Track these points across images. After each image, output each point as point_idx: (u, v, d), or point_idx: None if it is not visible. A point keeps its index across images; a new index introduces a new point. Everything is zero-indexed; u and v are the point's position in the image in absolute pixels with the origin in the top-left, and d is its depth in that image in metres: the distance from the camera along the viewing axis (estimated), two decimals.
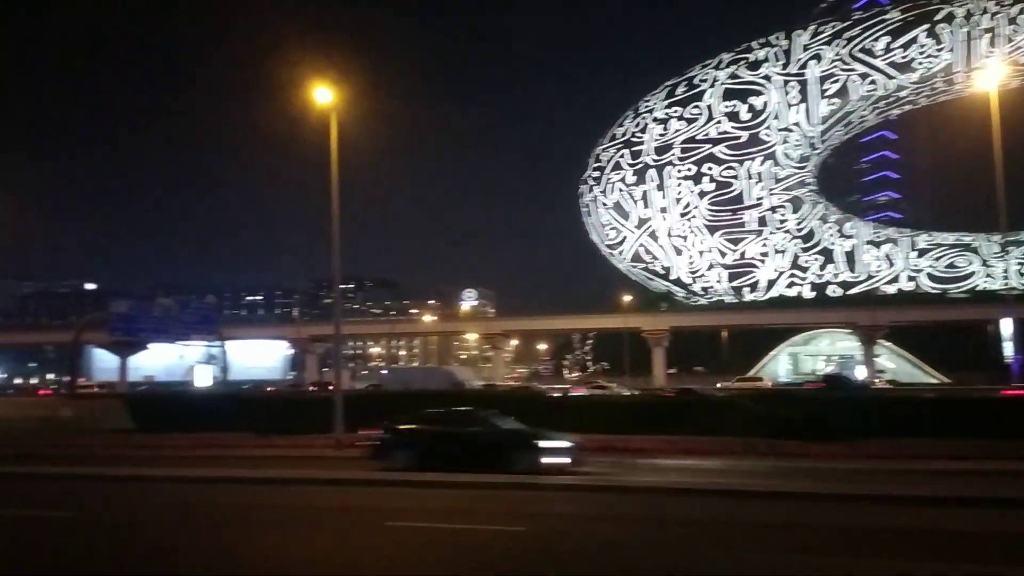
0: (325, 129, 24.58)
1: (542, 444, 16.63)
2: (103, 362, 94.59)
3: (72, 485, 17.41)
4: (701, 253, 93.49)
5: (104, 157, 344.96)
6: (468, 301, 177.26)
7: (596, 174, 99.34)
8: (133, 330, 59.01)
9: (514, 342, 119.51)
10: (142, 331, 59.52)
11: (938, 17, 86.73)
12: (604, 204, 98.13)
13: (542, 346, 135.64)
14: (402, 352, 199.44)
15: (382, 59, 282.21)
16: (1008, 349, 32.48)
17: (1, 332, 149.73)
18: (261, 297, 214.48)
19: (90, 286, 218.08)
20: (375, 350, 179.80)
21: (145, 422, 30.29)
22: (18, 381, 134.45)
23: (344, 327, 30.23)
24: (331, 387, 29.32)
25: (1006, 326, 33.59)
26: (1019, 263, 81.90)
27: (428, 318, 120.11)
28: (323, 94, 23.97)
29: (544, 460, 16.47)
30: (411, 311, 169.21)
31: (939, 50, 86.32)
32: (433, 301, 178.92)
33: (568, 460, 16.70)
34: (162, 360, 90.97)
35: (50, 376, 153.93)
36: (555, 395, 37.70)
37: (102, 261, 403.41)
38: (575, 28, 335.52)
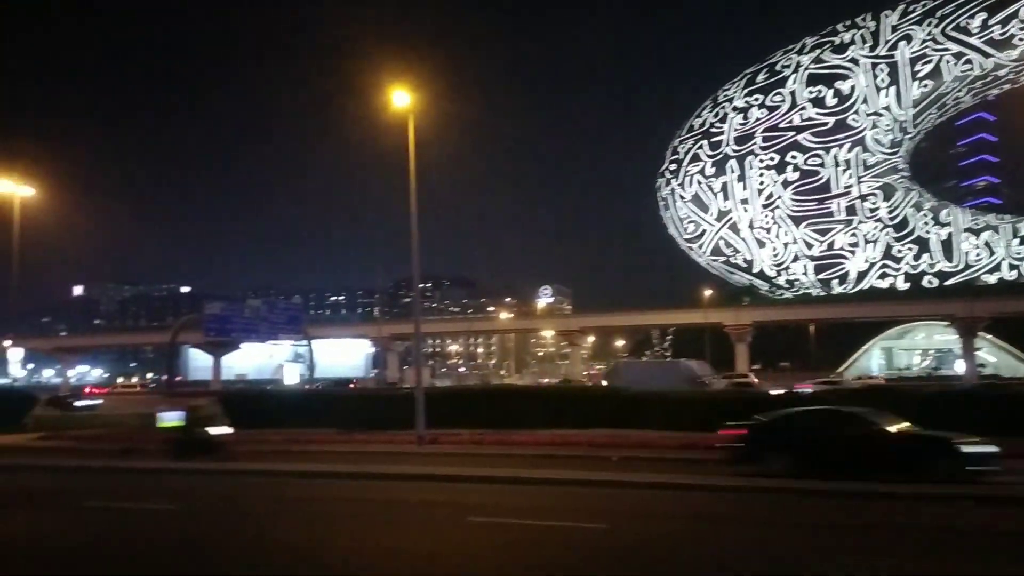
0: (403, 131, 24.95)
1: (966, 449, 14.38)
2: (197, 361, 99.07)
3: (172, 479, 18.26)
4: (786, 245, 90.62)
5: (199, 166, 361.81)
6: (544, 298, 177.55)
7: (673, 167, 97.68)
8: (226, 330, 61.38)
9: (591, 339, 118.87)
10: (234, 331, 61.85)
11: None
12: (682, 197, 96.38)
13: (620, 342, 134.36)
14: (479, 350, 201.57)
15: (458, 58, 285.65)
16: None
17: (104, 334, 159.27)
18: (343, 297, 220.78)
19: (185, 289, 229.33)
20: (453, 348, 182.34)
21: (237, 418, 31.53)
22: (120, 380, 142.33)
23: (423, 325, 30.70)
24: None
25: None
26: None
27: (505, 316, 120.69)
28: (401, 97, 24.33)
29: (969, 468, 14.21)
30: (488, 309, 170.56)
31: None
32: (509, 299, 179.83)
33: (997, 468, 14.44)
34: (252, 359, 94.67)
35: (149, 375, 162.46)
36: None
37: (197, 265, 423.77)
38: (650, 19, 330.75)
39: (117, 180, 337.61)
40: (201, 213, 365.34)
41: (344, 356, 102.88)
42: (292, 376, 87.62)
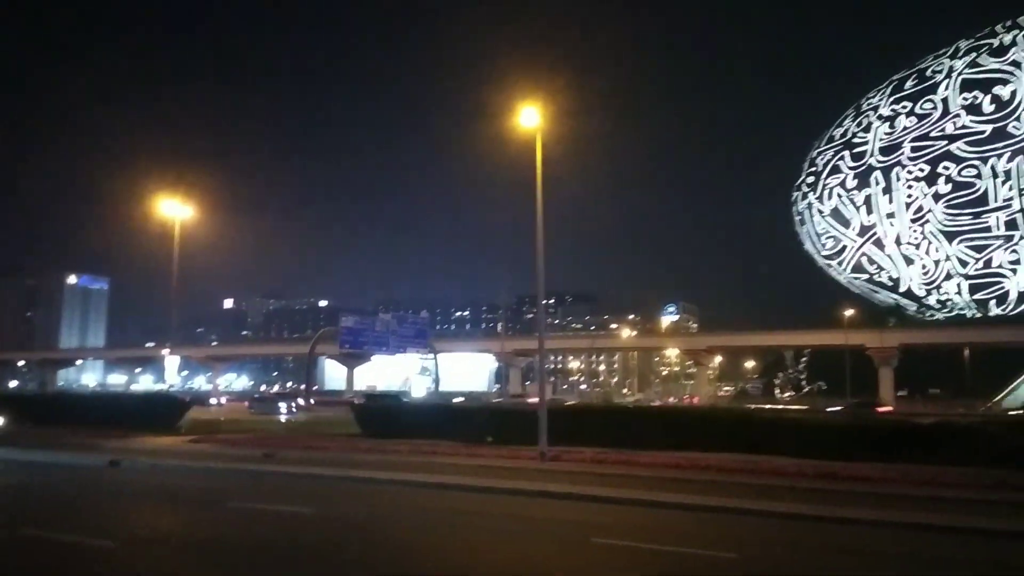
0: (532, 147, 25.18)
1: None
2: (333, 372, 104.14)
3: (307, 483, 19.13)
4: (937, 262, 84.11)
5: (340, 185, 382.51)
6: (669, 315, 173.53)
7: (811, 179, 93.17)
8: (359, 343, 64.40)
9: (718, 358, 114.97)
10: (366, 344, 64.77)
11: None
12: (820, 211, 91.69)
13: (749, 363, 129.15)
14: (601, 367, 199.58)
15: (590, 70, 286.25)
16: None
17: (250, 344, 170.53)
18: (468, 312, 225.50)
19: (323, 302, 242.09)
20: (574, 364, 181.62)
21: (369, 428, 32.72)
22: (263, 388, 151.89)
23: (546, 342, 30.67)
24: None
25: None
26: None
27: (627, 333, 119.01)
28: (529, 115, 24.59)
29: None
30: (611, 326, 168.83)
31: None
32: (633, 315, 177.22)
33: None
34: (382, 371, 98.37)
35: (289, 384, 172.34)
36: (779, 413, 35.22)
37: (335, 279, 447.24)
38: (788, 27, 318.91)
39: (264, 200, 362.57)
40: (340, 229, 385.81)
41: (468, 370, 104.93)
42: (419, 389, 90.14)
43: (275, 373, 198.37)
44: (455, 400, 62.81)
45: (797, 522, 13.76)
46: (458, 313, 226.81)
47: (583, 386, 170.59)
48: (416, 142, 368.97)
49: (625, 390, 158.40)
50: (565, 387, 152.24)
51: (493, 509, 15.02)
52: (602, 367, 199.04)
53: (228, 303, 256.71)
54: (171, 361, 49.59)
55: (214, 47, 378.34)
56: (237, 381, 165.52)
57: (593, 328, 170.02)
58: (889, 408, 52.68)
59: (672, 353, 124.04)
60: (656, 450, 23.83)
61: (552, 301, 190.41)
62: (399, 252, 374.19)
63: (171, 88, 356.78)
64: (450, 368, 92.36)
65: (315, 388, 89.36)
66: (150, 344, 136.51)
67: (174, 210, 38.07)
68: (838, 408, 53.18)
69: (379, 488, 18.24)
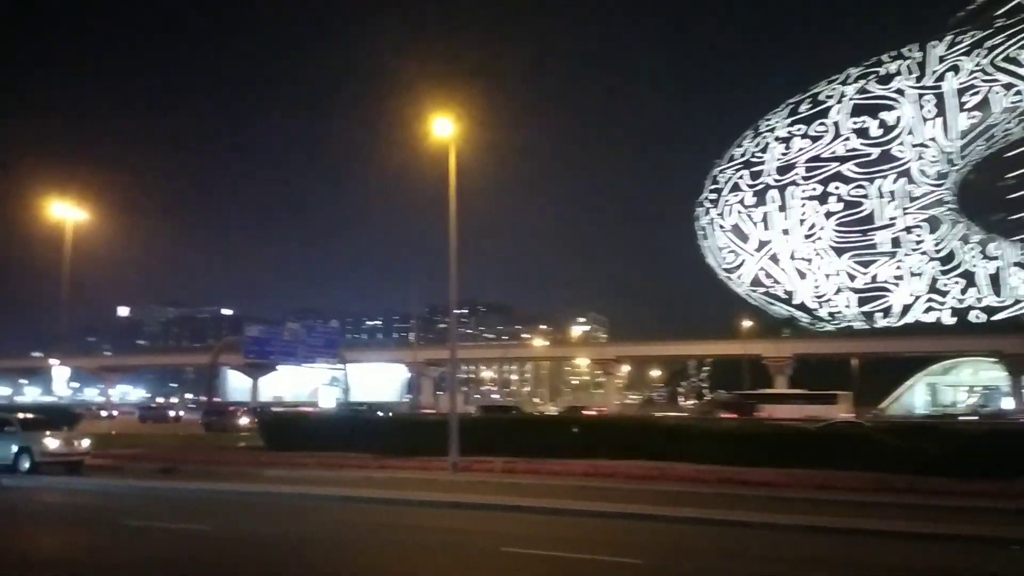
0: (445, 158, 25.21)
1: None
2: (236, 383, 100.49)
3: (209, 500, 18.43)
4: (828, 276, 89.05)
5: (243, 191, 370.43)
6: (580, 326, 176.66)
7: (713, 196, 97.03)
8: (265, 353, 62.35)
9: (626, 368, 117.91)
10: (272, 354, 62.77)
11: None
12: (721, 226, 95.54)
13: (656, 372, 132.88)
14: (513, 376, 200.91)
15: (501, 87, 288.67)
16: None
17: (147, 354, 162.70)
18: (380, 322, 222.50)
19: (227, 311, 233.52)
20: (487, 374, 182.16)
21: (274, 440, 31.77)
22: (160, 400, 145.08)
23: (458, 351, 30.67)
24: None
25: None
26: None
27: (540, 343, 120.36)
28: (443, 126, 24.63)
29: None
30: (523, 336, 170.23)
31: None
32: (545, 326, 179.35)
33: None
34: (289, 382, 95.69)
35: (188, 396, 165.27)
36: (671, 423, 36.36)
37: (239, 288, 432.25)
38: (692, 49, 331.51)
39: (164, 204, 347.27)
40: (244, 237, 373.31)
41: (379, 381, 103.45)
42: (328, 399, 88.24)
43: (174, 385, 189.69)
44: (363, 410, 61.85)
45: (698, 526, 14.29)
46: (370, 323, 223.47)
47: (495, 396, 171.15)
48: (328, 150, 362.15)
49: (536, 399, 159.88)
50: (477, 396, 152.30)
51: (402, 522, 14.91)
52: (514, 376, 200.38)
53: (123, 311, 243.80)
54: (60, 372, 46.73)
55: (116, 46, 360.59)
56: (133, 393, 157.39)
57: (506, 338, 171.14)
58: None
59: (582, 363, 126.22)
60: (566, 458, 24.20)
61: (466, 311, 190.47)
62: (309, 262, 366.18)
63: (73, 88, 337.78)
64: (361, 378, 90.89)
65: (216, 400, 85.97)
66: (37, 354, 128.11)
67: (65, 212, 35.99)
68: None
69: (284, 503, 17.78)
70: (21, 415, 26.79)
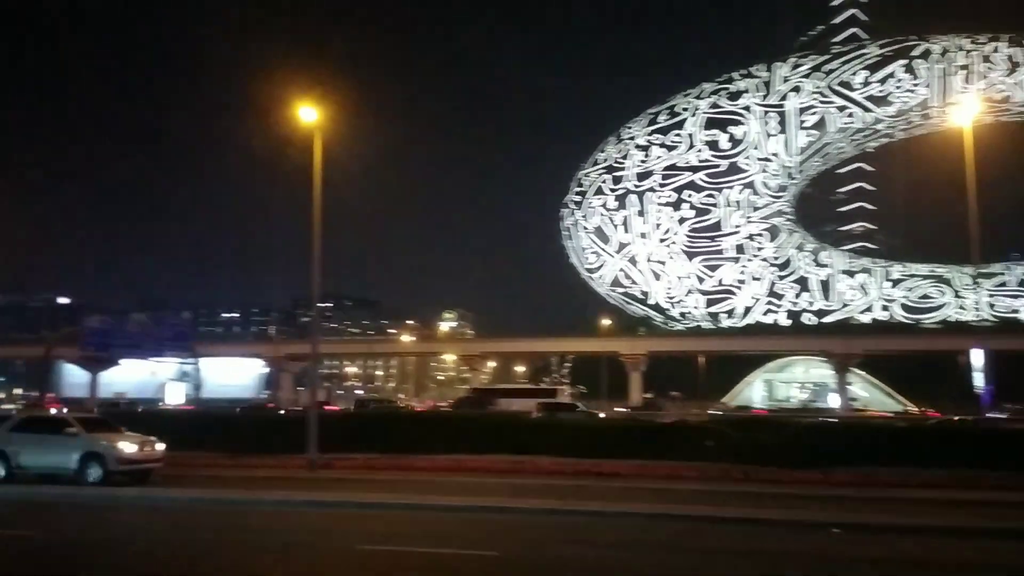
0: (309, 148, 24.53)
1: None
2: (73, 377, 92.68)
3: (41, 505, 17.02)
4: (679, 279, 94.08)
5: (81, 172, 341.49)
6: (447, 322, 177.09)
7: (578, 198, 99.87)
8: (105, 345, 58.17)
9: (492, 363, 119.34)
10: (114, 347, 58.67)
11: (915, 53, 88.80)
12: (585, 228, 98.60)
13: (520, 368, 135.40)
14: (379, 372, 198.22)
15: (368, 79, 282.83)
16: (978, 380, 32.83)
17: None
18: (238, 315, 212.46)
19: (64, 300, 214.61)
20: (351, 370, 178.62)
21: None
22: None
23: (321, 346, 29.94)
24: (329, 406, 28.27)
25: (977, 357, 33.92)
26: (990, 295, 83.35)
27: (406, 338, 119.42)
28: (308, 113, 23.95)
29: None
30: (389, 331, 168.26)
31: (915, 85, 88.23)
32: (412, 321, 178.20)
33: None
34: (134, 376, 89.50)
35: (17, 391, 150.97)
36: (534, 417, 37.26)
37: (78, 276, 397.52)
38: (562, 53, 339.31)
39: None
40: (87, 222, 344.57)
41: (235, 376, 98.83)
42: (176, 396, 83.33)
43: (1, 379, 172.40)
44: (225, 406, 59.07)
45: (554, 517, 14.81)
46: (226, 315, 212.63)
47: (359, 392, 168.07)
48: (184, 137, 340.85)
49: (401, 395, 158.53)
50: (340, 392, 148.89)
51: (256, 523, 14.44)
52: (379, 372, 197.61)
53: None
54: None
55: None
56: None
57: (372, 333, 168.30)
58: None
59: (449, 358, 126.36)
60: (430, 454, 24.28)
61: (331, 305, 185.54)
62: (160, 251, 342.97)
63: None
64: (215, 373, 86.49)
65: (50, 396, 79.00)
66: None
67: None
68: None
69: (125, 506, 16.72)
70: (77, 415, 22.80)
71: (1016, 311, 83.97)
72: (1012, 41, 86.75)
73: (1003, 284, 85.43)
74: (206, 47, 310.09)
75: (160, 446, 20.68)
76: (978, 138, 35.14)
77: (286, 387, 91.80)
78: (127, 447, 19.29)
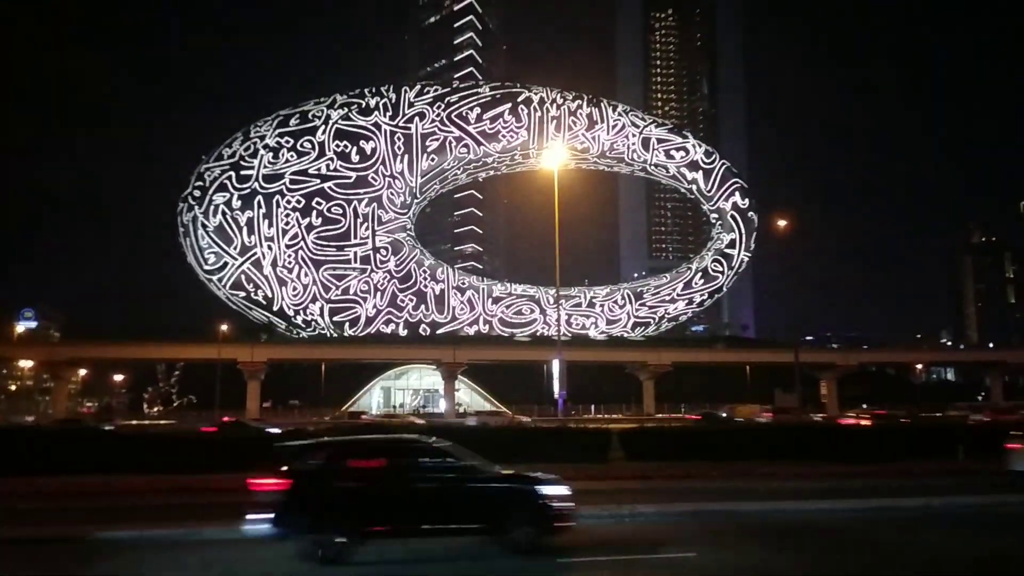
0: None
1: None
2: None
3: None
4: (305, 286, 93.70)
5: None
6: (26, 322, 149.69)
7: (198, 193, 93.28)
8: None
9: (84, 372, 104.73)
10: None
11: (520, 99, 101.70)
12: (205, 226, 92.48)
13: (119, 376, 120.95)
14: None
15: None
16: (556, 387, 38.57)
17: None
18: None
19: None
20: None
21: None
22: None
23: None
24: None
25: (555, 367, 39.86)
26: (567, 314, 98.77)
27: None
28: None
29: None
30: None
31: (519, 127, 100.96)
32: None
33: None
34: None
35: None
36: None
37: None
38: (193, 42, 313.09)
39: None
40: None
41: None
42: None
43: None
44: None
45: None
46: None
47: None
48: None
49: None
50: None
51: None
52: None
53: None
54: None
55: None
56: None
57: None
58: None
59: (27, 365, 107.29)
60: None
61: None
62: None
63: None
64: None
65: None
66: None
67: None
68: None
69: None
70: None
71: (586, 328, 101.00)
72: (590, 102, 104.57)
73: (578, 305, 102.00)
74: None
75: None
76: (564, 180, 41.85)
77: None
78: None
